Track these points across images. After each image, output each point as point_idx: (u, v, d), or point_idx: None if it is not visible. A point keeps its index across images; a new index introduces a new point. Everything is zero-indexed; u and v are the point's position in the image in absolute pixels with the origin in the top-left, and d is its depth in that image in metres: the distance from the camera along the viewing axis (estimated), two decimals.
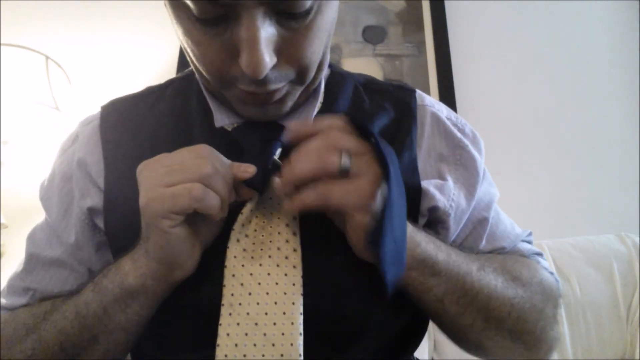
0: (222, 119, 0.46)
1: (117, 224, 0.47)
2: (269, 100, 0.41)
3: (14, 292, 0.51)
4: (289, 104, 0.44)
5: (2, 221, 1.09)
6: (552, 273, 0.56)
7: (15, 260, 1.13)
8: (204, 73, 0.41)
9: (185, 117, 0.50)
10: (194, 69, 0.43)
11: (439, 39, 1.35)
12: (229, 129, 0.47)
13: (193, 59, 0.41)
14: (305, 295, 0.40)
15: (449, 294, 0.44)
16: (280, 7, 0.35)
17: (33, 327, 0.44)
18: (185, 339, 0.43)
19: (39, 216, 0.54)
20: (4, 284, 0.52)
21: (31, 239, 0.53)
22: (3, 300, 0.51)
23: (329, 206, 0.38)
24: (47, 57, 1.14)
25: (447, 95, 1.27)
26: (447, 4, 1.40)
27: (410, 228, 0.42)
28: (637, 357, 0.87)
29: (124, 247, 0.43)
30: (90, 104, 1.28)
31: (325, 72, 0.54)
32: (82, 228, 0.49)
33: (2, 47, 1.08)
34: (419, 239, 0.42)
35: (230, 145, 0.45)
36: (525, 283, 0.49)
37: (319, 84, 0.48)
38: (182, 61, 1.33)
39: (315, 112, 0.48)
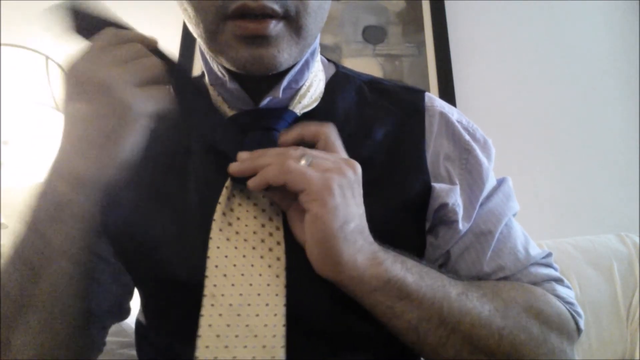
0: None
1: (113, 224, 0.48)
2: (261, 30, 0.40)
3: None
4: (284, 55, 0.42)
5: (2, 221, 1.09)
6: (570, 303, 0.49)
7: None
8: (198, 17, 0.41)
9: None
10: (193, 32, 0.44)
11: (439, 39, 1.35)
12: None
13: (188, 8, 0.42)
14: (293, 289, 0.40)
15: (424, 321, 0.40)
16: None
17: None
18: (175, 329, 0.43)
19: None
20: None
21: None
22: None
23: (289, 183, 0.38)
24: (47, 57, 1.14)
25: (447, 96, 1.27)
26: (447, 4, 1.39)
27: (373, 246, 0.40)
28: (637, 357, 0.87)
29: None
30: None
31: (330, 70, 0.54)
32: None
33: (2, 47, 1.08)
34: (382, 258, 0.40)
35: (234, 131, 0.46)
36: (520, 312, 0.44)
37: (313, 52, 0.48)
38: (182, 61, 1.33)
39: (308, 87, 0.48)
